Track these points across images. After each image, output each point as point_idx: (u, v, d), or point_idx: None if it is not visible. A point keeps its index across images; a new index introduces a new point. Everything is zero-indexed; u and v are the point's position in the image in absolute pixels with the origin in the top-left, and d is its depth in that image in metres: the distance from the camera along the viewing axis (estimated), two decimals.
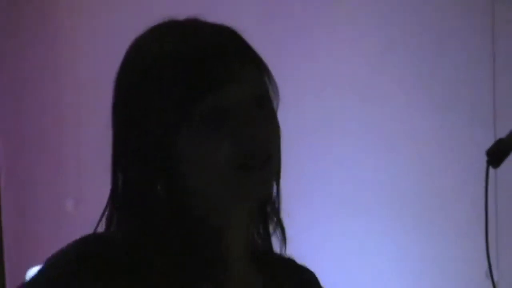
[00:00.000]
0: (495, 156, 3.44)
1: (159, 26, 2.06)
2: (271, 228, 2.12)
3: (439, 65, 6.24)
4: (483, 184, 3.45)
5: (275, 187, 2.05)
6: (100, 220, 2.15)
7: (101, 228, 2.23)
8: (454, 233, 6.07)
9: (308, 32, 6.59)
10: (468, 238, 5.82)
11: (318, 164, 6.42)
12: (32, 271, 5.00)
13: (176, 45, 1.93)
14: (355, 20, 6.46)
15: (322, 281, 2.53)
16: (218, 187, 1.96)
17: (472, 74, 6.41)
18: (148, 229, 1.98)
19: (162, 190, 1.94)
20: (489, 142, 3.49)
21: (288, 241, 2.35)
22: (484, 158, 3.43)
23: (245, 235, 2.09)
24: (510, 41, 6.00)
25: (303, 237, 4.89)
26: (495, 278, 4.64)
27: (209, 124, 1.85)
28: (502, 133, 3.56)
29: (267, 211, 2.09)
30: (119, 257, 1.96)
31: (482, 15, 6.01)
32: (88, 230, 2.41)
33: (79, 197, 6.95)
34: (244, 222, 2.07)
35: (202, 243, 2.00)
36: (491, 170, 3.48)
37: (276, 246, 2.23)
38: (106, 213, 2.06)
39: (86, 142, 6.64)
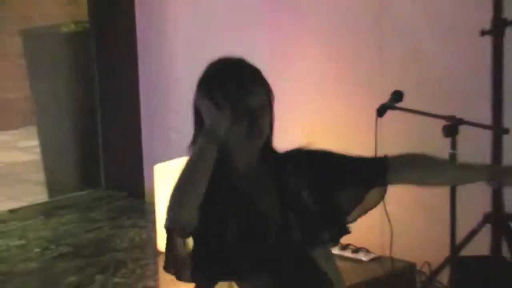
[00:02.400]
0: (382, 110, 5.08)
1: (221, 59, 3.29)
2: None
3: None
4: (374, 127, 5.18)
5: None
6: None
7: None
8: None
9: None
10: None
11: None
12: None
13: (228, 73, 3.24)
14: None
15: None
16: (241, 143, 3.19)
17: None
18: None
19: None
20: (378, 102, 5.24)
21: None
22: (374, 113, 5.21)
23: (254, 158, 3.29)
24: None
25: None
26: None
27: (238, 115, 3.12)
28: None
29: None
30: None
31: None
32: None
33: None
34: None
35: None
36: (378, 119, 5.15)
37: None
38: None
39: None
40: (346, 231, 3.35)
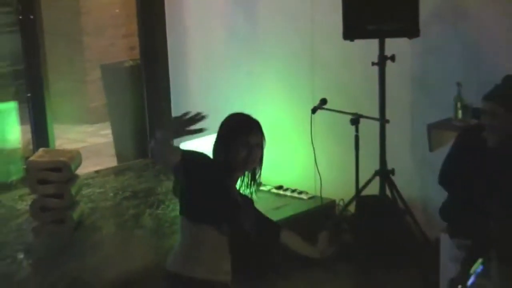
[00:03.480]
0: (314, 110, 5.20)
1: (237, 114, 3.37)
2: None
3: None
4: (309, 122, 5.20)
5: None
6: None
7: None
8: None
9: None
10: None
11: None
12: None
13: (242, 122, 3.29)
14: None
15: None
16: (239, 165, 3.17)
17: None
18: None
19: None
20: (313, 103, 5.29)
21: None
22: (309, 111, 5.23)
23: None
24: None
25: None
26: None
27: (241, 145, 3.16)
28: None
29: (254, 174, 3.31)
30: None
31: None
32: None
33: None
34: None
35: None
36: (313, 116, 5.18)
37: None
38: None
39: None
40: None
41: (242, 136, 3.20)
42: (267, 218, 3.46)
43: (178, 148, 3.14)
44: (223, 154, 3.19)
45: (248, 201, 3.36)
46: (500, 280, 3.82)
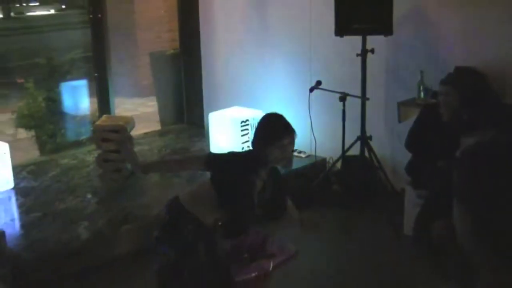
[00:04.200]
0: (311, 89, 5.18)
1: (272, 115, 3.07)
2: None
3: None
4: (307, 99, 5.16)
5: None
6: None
7: None
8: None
9: None
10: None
11: None
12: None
13: (276, 126, 3.01)
14: None
15: None
16: (271, 162, 2.97)
17: None
18: None
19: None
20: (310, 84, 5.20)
21: None
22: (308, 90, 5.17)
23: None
24: None
25: None
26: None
27: (276, 147, 2.94)
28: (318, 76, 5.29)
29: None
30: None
31: None
32: None
33: None
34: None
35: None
36: (310, 94, 5.12)
37: None
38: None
39: None
40: None
41: (276, 140, 3.02)
42: (280, 193, 3.22)
43: (200, 157, 3.11)
44: (258, 151, 3.05)
45: (275, 174, 3.19)
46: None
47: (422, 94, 5.05)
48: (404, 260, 4.32)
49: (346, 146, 5.13)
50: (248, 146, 5.87)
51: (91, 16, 6.36)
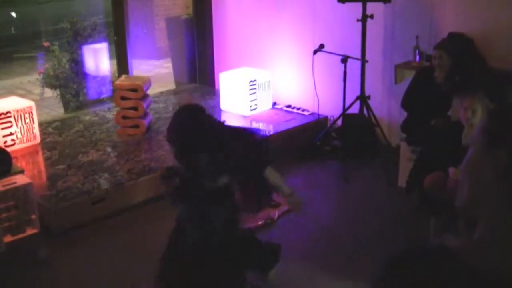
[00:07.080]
0: (315, 52, 5.16)
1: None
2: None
3: None
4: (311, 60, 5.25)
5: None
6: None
7: None
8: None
9: None
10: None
11: None
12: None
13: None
14: None
15: None
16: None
17: None
18: None
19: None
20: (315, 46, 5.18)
21: None
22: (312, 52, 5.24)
23: None
24: None
25: None
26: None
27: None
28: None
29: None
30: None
31: None
32: None
33: None
34: None
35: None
36: (314, 56, 5.19)
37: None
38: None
39: None
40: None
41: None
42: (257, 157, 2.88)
43: None
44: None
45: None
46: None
47: (417, 58, 5.03)
48: (397, 203, 4.40)
49: (347, 105, 5.10)
50: (256, 105, 5.87)
51: None
